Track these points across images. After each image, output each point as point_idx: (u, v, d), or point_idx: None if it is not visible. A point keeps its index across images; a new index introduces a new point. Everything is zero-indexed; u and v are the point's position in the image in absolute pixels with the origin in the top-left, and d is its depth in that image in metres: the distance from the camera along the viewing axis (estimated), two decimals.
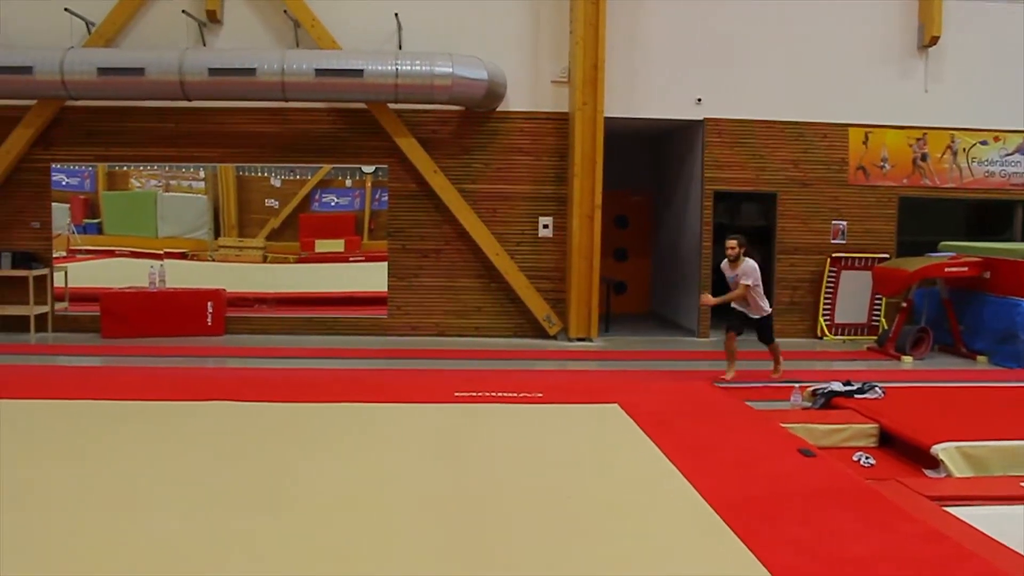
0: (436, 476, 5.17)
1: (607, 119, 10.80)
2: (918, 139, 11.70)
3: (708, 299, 9.22)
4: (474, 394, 7.33)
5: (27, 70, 10.50)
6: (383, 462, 5.46)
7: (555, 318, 11.04)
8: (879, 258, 11.44)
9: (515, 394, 7.40)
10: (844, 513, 4.52)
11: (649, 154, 14.05)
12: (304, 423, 6.48)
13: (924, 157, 11.74)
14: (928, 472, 5.98)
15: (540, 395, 7.39)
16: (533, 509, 4.60)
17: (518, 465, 5.44)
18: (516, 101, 11.19)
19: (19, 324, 11.07)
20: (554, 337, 11.03)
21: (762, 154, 11.42)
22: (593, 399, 7.33)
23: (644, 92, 11.22)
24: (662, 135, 13.09)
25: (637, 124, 11.72)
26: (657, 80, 11.22)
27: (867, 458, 6.25)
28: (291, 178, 13.18)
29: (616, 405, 7.08)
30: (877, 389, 7.46)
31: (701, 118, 11.37)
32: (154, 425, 6.41)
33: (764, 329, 9.05)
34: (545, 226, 11.20)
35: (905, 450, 6.35)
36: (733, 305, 8.95)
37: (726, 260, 8.89)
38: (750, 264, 8.76)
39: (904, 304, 10.63)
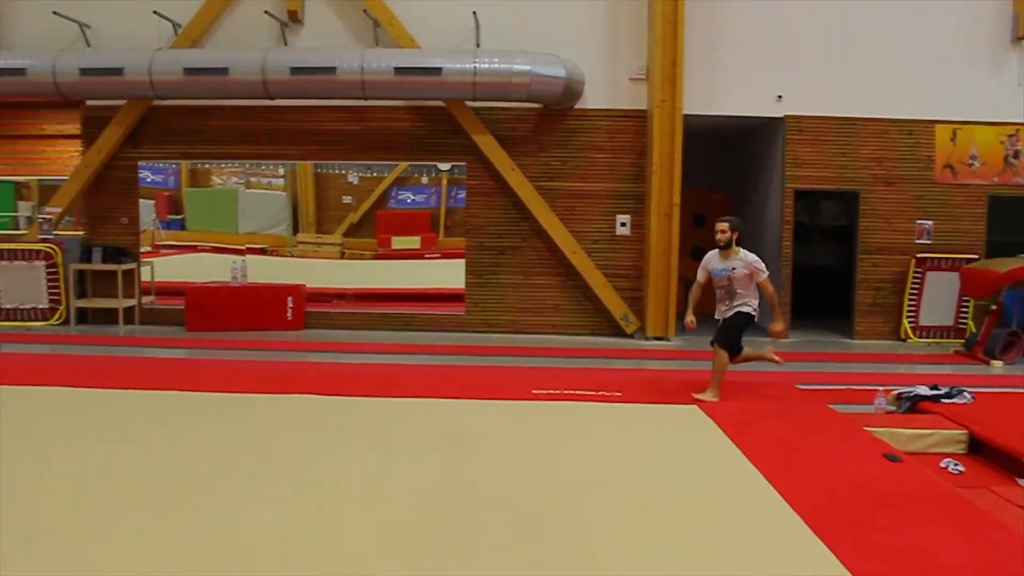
0: (516, 474, 5.18)
1: (686, 116, 10.68)
2: (1010, 136, 11.31)
3: (690, 321, 7.38)
4: (552, 391, 7.34)
5: (118, 71, 10.82)
6: (463, 459, 5.49)
7: (632, 317, 10.97)
8: (967, 259, 11.10)
9: (593, 392, 7.39)
10: (934, 521, 4.40)
11: (728, 152, 13.86)
12: (384, 418, 6.56)
13: (1016, 154, 11.35)
14: (1021, 481, 5.79)
15: (619, 394, 7.37)
16: (614, 509, 4.59)
17: (599, 464, 5.43)
18: (594, 99, 11.14)
19: (108, 316, 11.41)
20: (631, 336, 10.97)
21: (844, 151, 11.17)
22: (672, 399, 7.28)
23: (723, 89, 11.06)
24: (741, 132, 12.90)
25: (716, 121, 11.57)
26: (736, 77, 11.05)
27: (956, 465, 6.07)
28: (368, 175, 13.35)
29: (695, 406, 7.03)
30: (966, 394, 7.25)
31: (782, 115, 11.16)
32: (239, 416, 6.55)
33: (731, 328, 7.29)
34: (623, 224, 11.14)
35: (996, 458, 6.15)
36: (717, 313, 7.47)
37: (714, 251, 7.42)
38: (750, 255, 7.32)
39: (994, 307, 10.29)
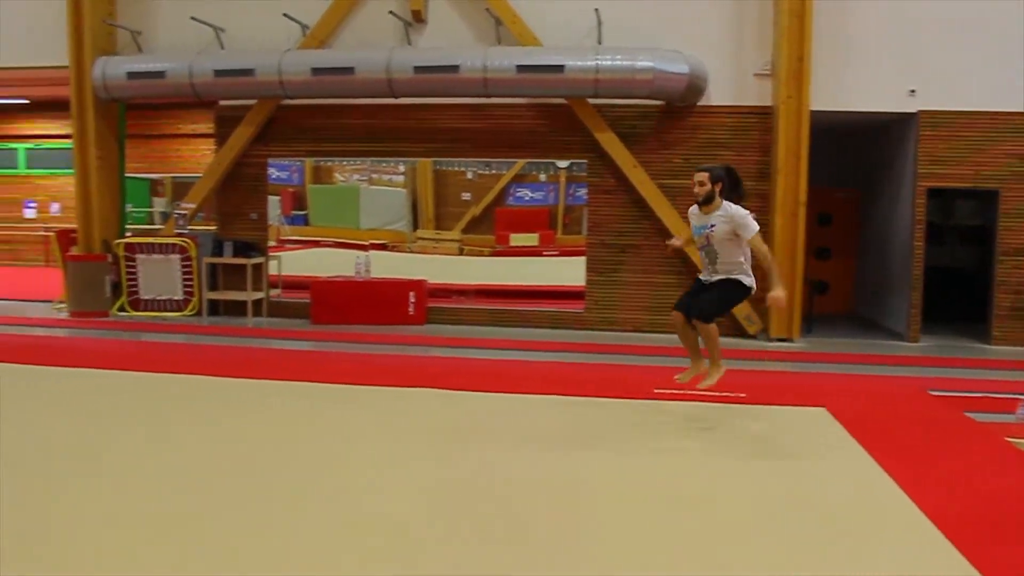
0: (639, 474, 5.13)
1: (812, 113, 10.39)
2: None
3: (676, 241, 7.10)
4: (674, 391, 7.24)
5: (249, 72, 11.21)
6: (586, 456, 5.47)
7: (755, 317, 10.75)
8: None
9: (716, 393, 7.24)
10: None
11: (856, 149, 13.41)
12: (505, 413, 6.60)
13: None
14: None
15: (743, 395, 7.22)
16: (742, 515, 4.49)
17: (724, 468, 5.32)
18: (717, 95, 10.94)
19: (238, 309, 11.83)
20: (754, 337, 10.75)
21: (983, 148, 10.67)
22: (798, 401, 7.10)
23: (852, 84, 10.70)
24: (871, 129, 12.47)
25: (844, 118, 11.21)
26: (866, 72, 10.67)
27: None
28: (486, 172, 13.43)
29: (823, 409, 6.84)
30: None
31: (915, 111, 10.73)
32: (364, 409, 6.69)
33: (715, 301, 6.29)
34: None
35: None
36: (702, 275, 6.53)
37: (694, 206, 6.40)
38: (738, 208, 6.21)
39: None
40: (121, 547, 3.89)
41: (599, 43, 10.88)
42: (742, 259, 6.31)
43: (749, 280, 6.36)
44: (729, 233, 6.19)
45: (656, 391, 7.30)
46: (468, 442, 5.77)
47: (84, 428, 6.05)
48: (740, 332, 10.80)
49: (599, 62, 10.39)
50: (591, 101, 10.88)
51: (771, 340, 10.56)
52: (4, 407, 6.52)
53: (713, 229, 6.21)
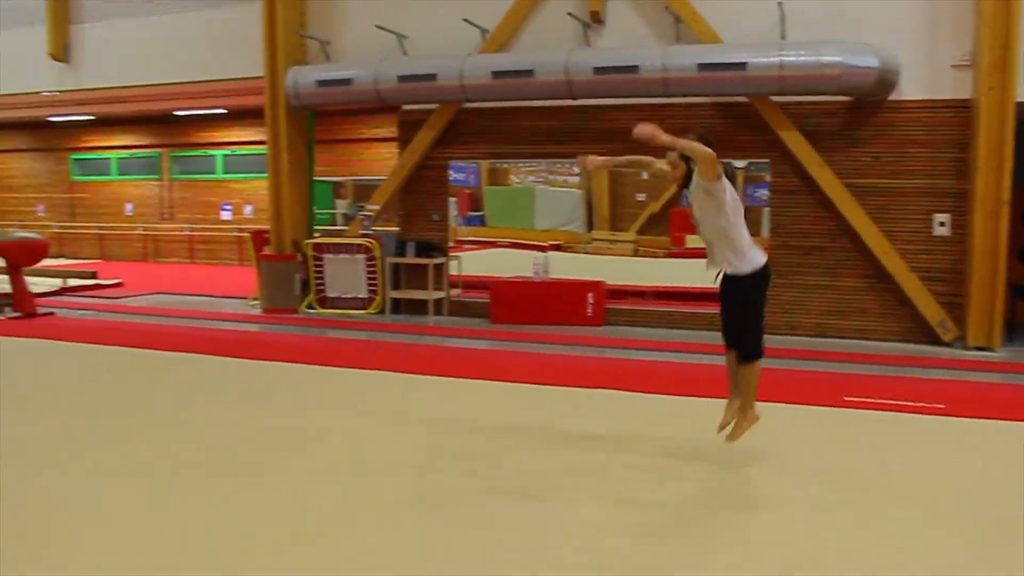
0: (833, 488, 4.94)
1: (1019, 104, 9.72)
2: None
3: (594, 160, 5.76)
4: (867, 400, 6.95)
5: (431, 77, 11.50)
6: (771, 469, 5.32)
7: (950, 324, 10.15)
8: None
9: (912, 403, 6.91)
10: None
11: None
12: (685, 418, 6.50)
13: None
14: None
15: (942, 407, 6.84)
16: (952, 538, 4.24)
17: (928, 483, 5.05)
18: (909, 89, 10.38)
19: (419, 307, 12.16)
20: (948, 344, 10.14)
21: None
22: (1007, 416, 6.65)
23: None
24: None
25: None
26: None
27: None
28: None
29: None
30: None
31: None
32: (545, 409, 6.75)
33: (744, 325, 5.33)
34: (941, 224, 10.31)
35: None
36: (707, 266, 5.41)
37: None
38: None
39: None
40: (353, 532, 4.07)
41: (782, 38, 10.55)
42: (726, 227, 5.08)
43: (748, 265, 5.16)
44: (699, 190, 5.09)
45: (846, 399, 7.03)
46: (638, 448, 5.71)
47: (289, 418, 6.39)
48: (934, 339, 10.23)
49: (783, 58, 10.07)
50: (774, 99, 10.57)
51: (968, 349, 9.94)
52: (212, 397, 6.97)
53: (692, 193, 5.20)
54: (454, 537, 4.08)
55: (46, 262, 13.96)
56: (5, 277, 12.24)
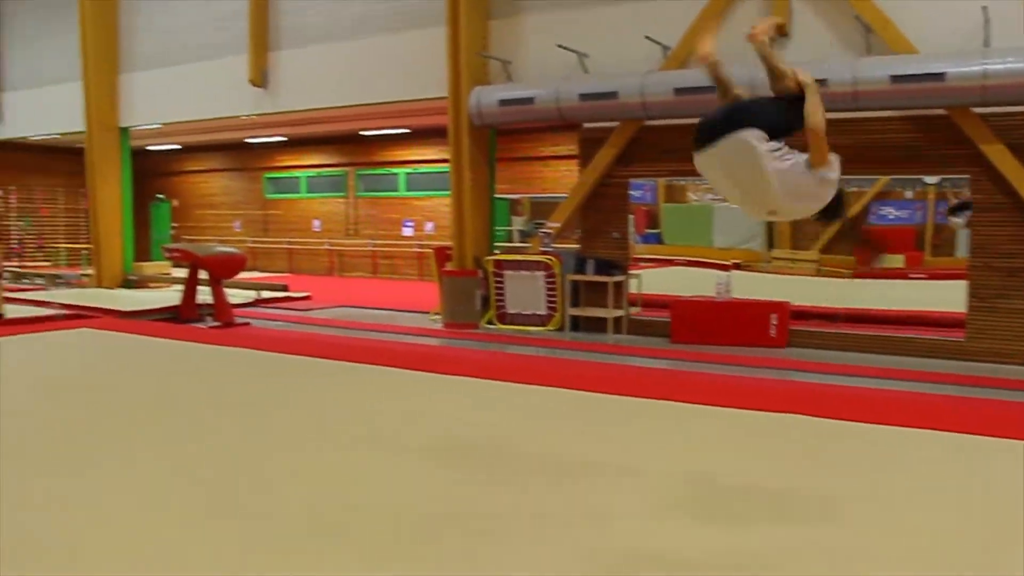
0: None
1: None
2: None
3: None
4: None
5: (613, 95, 11.57)
6: (968, 506, 5.02)
7: None
8: None
9: None
10: None
11: None
12: (879, 449, 6.22)
13: None
14: None
15: None
16: None
17: None
18: None
19: (598, 325, 12.18)
20: None
21: None
22: None
23: None
24: None
25: None
26: None
27: None
28: (847, 190, 12.82)
29: None
30: None
31: None
32: (723, 431, 6.62)
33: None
34: None
35: None
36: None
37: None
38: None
39: None
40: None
41: (986, 45, 9.98)
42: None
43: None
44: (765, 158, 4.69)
45: None
46: (821, 476, 5.50)
47: (482, 432, 6.53)
48: None
49: (986, 66, 9.53)
50: (976, 110, 10.00)
51: None
52: (403, 411, 7.21)
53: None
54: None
55: (242, 275, 14.87)
56: (207, 288, 13.12)
